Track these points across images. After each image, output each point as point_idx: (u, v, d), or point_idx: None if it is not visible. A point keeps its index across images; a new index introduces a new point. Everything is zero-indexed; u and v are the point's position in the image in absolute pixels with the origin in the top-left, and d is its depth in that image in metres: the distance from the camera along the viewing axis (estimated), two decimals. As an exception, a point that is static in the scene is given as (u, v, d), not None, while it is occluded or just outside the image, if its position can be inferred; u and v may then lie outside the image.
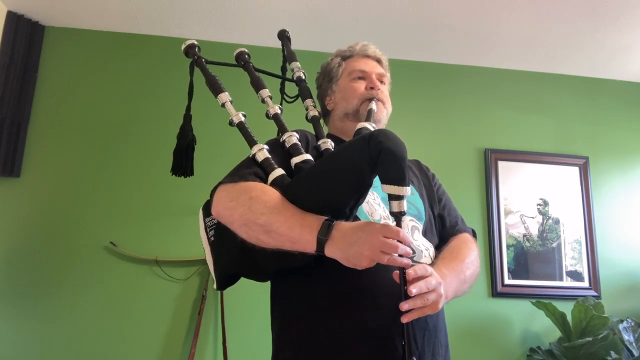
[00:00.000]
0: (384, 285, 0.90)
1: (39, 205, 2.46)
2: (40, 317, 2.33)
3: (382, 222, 1.02)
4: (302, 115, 1.31)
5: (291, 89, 1.40)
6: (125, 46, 2.74)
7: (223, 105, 1.20)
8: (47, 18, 2.65)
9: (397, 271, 0.90)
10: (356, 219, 1.01)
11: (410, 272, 0.89)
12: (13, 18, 2.54)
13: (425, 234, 1.14)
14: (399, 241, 0.88)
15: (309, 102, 1.32)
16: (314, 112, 1.29)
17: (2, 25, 2.51)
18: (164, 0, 2.48)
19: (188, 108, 1.28)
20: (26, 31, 2.57)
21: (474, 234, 1.26)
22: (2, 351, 2.27)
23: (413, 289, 0.87)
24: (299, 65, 1.38)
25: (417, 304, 0.89)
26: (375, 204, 1.09)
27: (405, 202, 0.91)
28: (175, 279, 2.44)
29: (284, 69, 1.42)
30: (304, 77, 1.36)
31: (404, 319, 0.89)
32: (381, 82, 1.30)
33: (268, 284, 1.14)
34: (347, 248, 0.88)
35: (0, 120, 2.41)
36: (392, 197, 0.91)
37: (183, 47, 1.28)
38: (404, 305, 0.88)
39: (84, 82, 2.66)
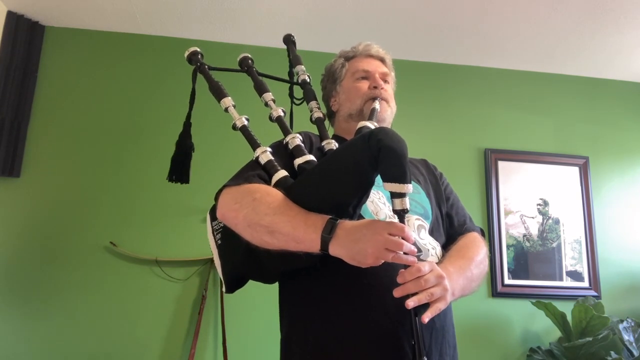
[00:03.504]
0: (391, 284, 0.90)
1: (39, 205, 2.46)
2: (40, 317, 2.32)
3: (387, 220, 1.02)
4: (306, 118, 1.32)
5: (296, 92, 1.41)
6: (125, 46, 2.74)
7: (226, 109, 1.20)
8: (47, 18, 2.65)
9: (402, 270, 0.90)
10: (361, 217, 1.00)
11: (399, 278, 0.89)
12: (13, 18, 2.53)
13: (432, 232, 1.13)
14: (403, 239, 0.88)
15: (313, 104, 1.32)
16: (318, 114, 1.29)
17: (2, 25, 2.51)
18: (164, 0, 2.48)
19: (188, 116, 1.29)
20: (26, 31, 2.57)
21: (482, 233, 1.25)
22: (3, 351, 2.26)
23: (395, 292, 0.88)
24: (304, 69, 1.39)
25: (421, 300, 0.88)
26: (380, 203, 1.09)
27: (407, 199, 0.91)
28: (175, 279, 2.44)
29: (291, 73, 1.42)
30: (308, 80, 1.37)
31: (425, 318, 0.88)
32: (385, 81, 1.29)
33: (268, 285, 1.14)
34: (351, 246, 0.88)
35: (0, 120, 2.41)
36: (394, 195, 0.90)
37: (186, 54, 1.29)
38: (410, 303, 0.87)
39: (84, 82, 2.66)
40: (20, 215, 2.43)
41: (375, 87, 1.25)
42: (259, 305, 2.37)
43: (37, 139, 2.53)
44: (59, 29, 2.71)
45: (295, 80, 1.39)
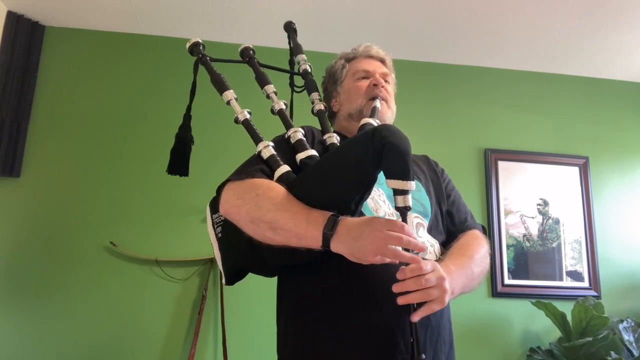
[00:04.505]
0: (390, 282, 0.90)
1: (39, 205, 2.46)
2: (40, 317, 2.32)
3: (387, 217, 1.02)
4: (307, 110, 1.31)
5: (297, 82, 1.39)
6: (126, 46, 2.74)
7: (228, 102, 1.19)
8: (47, 18, 2.65)
9: (403, 267, 0.90)
10: (361, 214, 1.00)
11: (399, 274, 0.89)
12: (13, 18, 2.53)
13: (430, 231, 1.13)
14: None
15: (314, 95, 1.32)
16: (319, 106, 1.29)
17: (2, 25, 2.51)
18: (164, 0, 2.48)
19: (188, 108, 1.28)
20: (26, 31, 2.57)
21: (483, 230, 1.24)
22: (3, 351, 2.26)
23: (394, 287, 0.88)
24: (305, 58, 1.38)
25: (415, 299, 0.88)
26: (380, 201, 1.09)
27: (410, 196, 0.91)
28: (175, 279, 2.44)
29: (291, 62, 1.41)
30: (309, 70, 1.36)
31: (414, 317, 0.88)
32: (385, 81, 1.29)
33: (269, 282, 1.14)
34: (351, 243, 0.88)
35: (0, 120, 2.41)
36: (397, 192, 0.91)
37: (187, 45, 1.28)
38: (400, 300, 0.88)
39: (84, 82, 2.66)
40: (20, 215, 2.43)
41: (375, 85, 1.25)
42: (259, 305, 2.37)
43: (37, 139, 2.53)
44: (59, 29, 2.71)
45: (296, 70, 1.38)
